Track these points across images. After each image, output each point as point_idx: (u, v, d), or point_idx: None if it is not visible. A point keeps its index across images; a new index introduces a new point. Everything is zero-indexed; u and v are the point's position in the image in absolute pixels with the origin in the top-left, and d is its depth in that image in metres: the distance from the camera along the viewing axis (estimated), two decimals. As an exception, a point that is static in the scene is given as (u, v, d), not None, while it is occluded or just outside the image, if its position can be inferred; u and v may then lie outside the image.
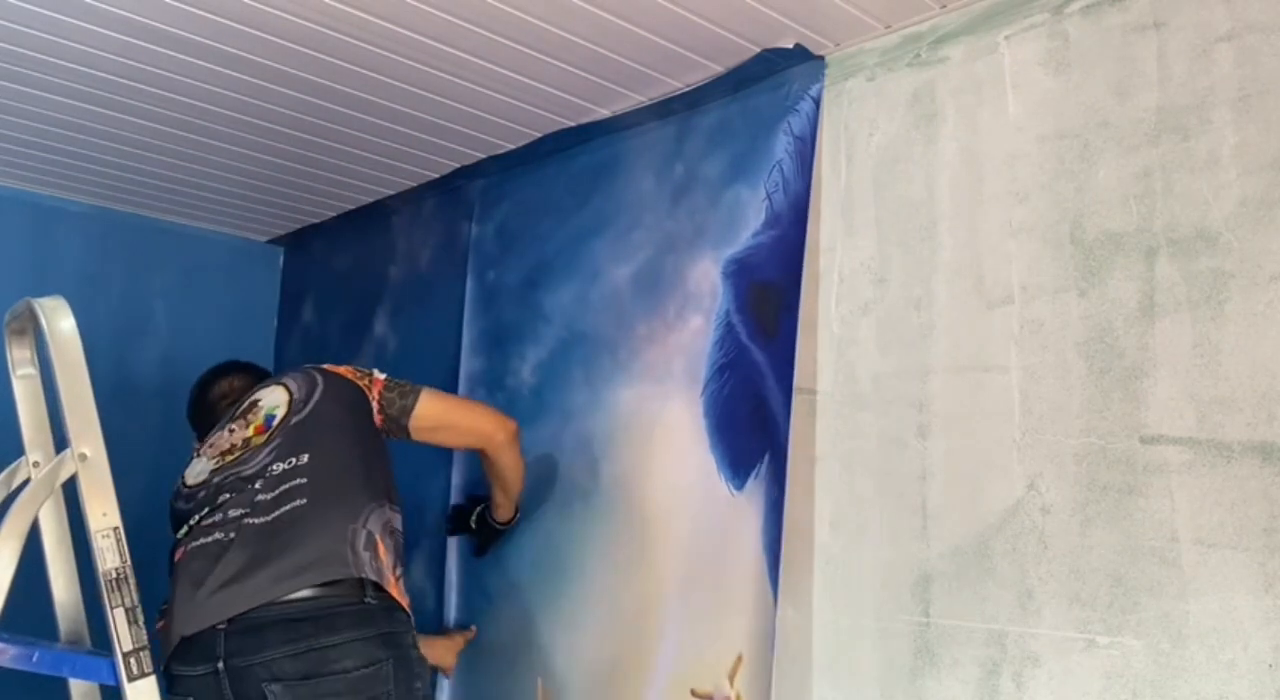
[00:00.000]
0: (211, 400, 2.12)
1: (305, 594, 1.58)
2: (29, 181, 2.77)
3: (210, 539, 1.69)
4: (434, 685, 2.28)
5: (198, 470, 1.91)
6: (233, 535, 1.66)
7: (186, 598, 1.61)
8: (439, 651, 2.23)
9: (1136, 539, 1.43)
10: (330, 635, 1.56)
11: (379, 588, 1.66)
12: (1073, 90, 1.59)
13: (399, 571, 1.75)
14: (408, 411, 1.92)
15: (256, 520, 1.69)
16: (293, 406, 1.87)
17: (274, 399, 1.91)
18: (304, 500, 1.71)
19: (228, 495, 1.76)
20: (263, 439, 1.84)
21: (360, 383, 1.93)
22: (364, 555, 1.67)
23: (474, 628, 2.32)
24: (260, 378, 2.11)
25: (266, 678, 1.53)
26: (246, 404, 1.95)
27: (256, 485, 1.75)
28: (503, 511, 2.18)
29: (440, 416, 1.95)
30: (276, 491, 1.73)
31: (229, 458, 1.85)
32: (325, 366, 1.97)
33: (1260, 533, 1.33)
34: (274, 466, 1.77)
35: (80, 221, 2.92)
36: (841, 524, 1.76)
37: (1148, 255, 1.47)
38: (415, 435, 1.94)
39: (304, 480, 1.74)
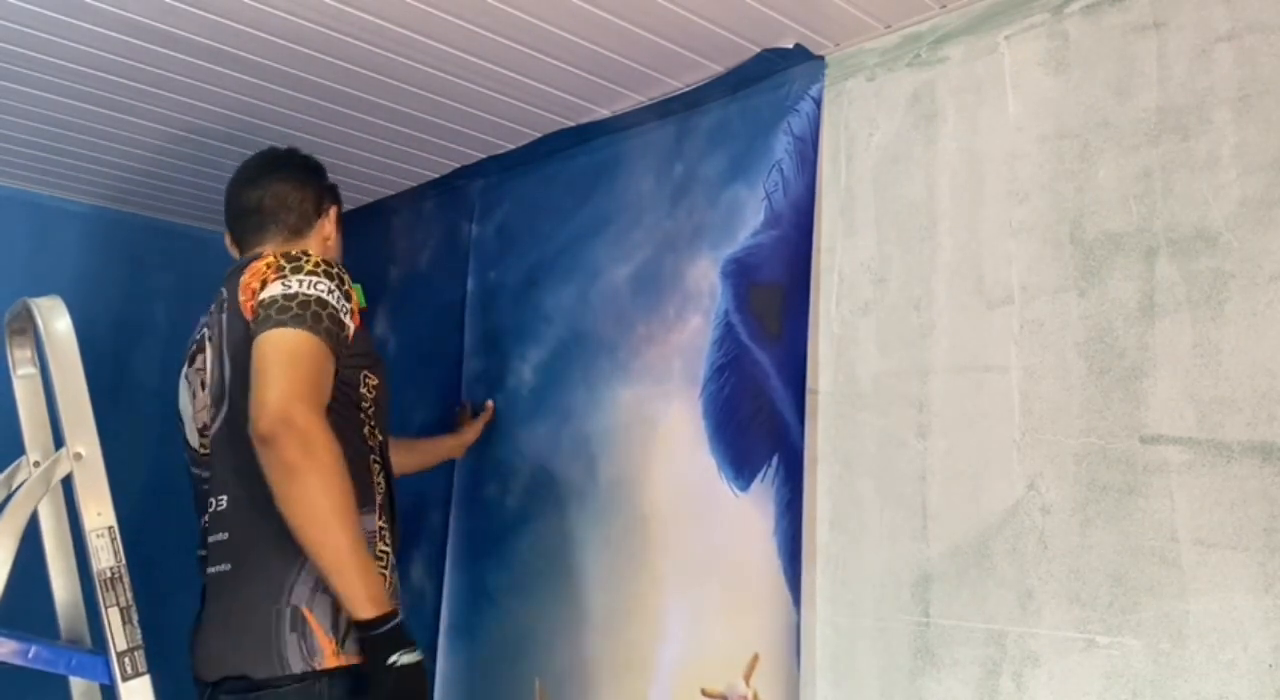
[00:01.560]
0: (243, 209, 1.86)
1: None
2: (29, 181, 2.77)
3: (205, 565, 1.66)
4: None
5: (188, 408, 1.75)
6: (208, 575, 1.64)
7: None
8: (452, 444, 2.32)
9: (1136, 539, 1.42)
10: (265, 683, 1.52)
11: (308, 672, 1.51)
12: (1073, 90, 1.59)
13: (353, 635, 1.51)
14: (256, 337, 1.53)
15: (211, 568, 1.63)
16: (211, 394, 1.65)
17: (207, 369, 1.69)
18: (228, 566, 1.58)
19: (208, 503, 1.67)
20: (205, 445, 1.69)
21: (250, 312, 1.59)
22: (289, 643, 1.50)
23: (490, 404, 2.34)
24: (301, 185, 1.84)
25: (228, 691, 1.56)
26: (205, 336, 1.72)
27: (206, 521, 1.65)
28: (345, 606, 1.49)
29: (257, 366, 1.49)
30: (215, 538, 1.62)
31: (203, 450, 1.70)
32: (246, 276, 1.63)
33: (1260, 533, 1.32)
34: (213, 501, 1.64)
35: (80, 221, 2.92)
36: (841, 524, 1.76)
37: (1148, 255, 1.47)
38: None
39: (225, 536, 1.60)
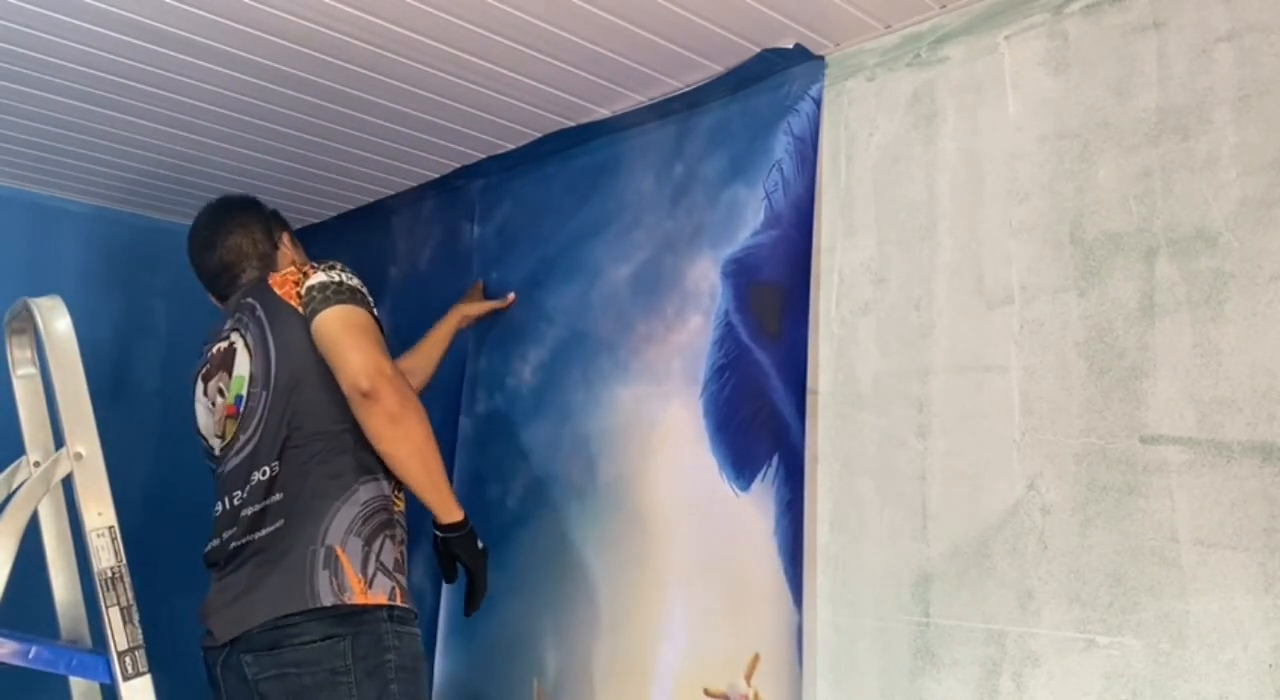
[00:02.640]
0: (213, 271, 2.02)
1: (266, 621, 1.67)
2: (29, 181, 2.77)
3: (227, 548, 1.76)
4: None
5: (206, 423, 1.90)
6: (231, 554, 1.75)
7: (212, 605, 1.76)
8: (453, 316, 2.36)
9: (1136, 539, 1.42)
10: (291, 619, 1.65)
11: (337, 607, 1.65)
12: (1073, 90, 1.59)
13: (376, 556, 1.70)
14: (314, 316, 1.74)
15: (243, 540, 1.73)
16: (254, 381, 1.80)
17: (241, 368, 1.83)
18: (282, 522, 1.71)
19: (229, 499, 1.79)
20: (234, 428, 1.82)
21: (297, 303, 1.78)
22: (321, 578, 1.65)
23: (511, 296, 2.37)
24: (247, 229, 2.01)
25: (244, 650, 1.66)
26: (223, 353, 1.88)
27: (242, 495, 1.76)
28: (436, 513, 1.80)
29: (331, 337, 1.71)
30: (259, 507, 1.73)
31: (223, 440, 1.85)
32: (271, 286, 1.82)
33: (1260, 533, 1.32)
34: (254, 475, 1.76)
35: (80, 221, 2.92)
36: (841, 524, 1.76)
37: (1148, 255, 1.47)
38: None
39: (280, 496, 1.73)
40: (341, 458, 1.74)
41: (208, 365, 1.92)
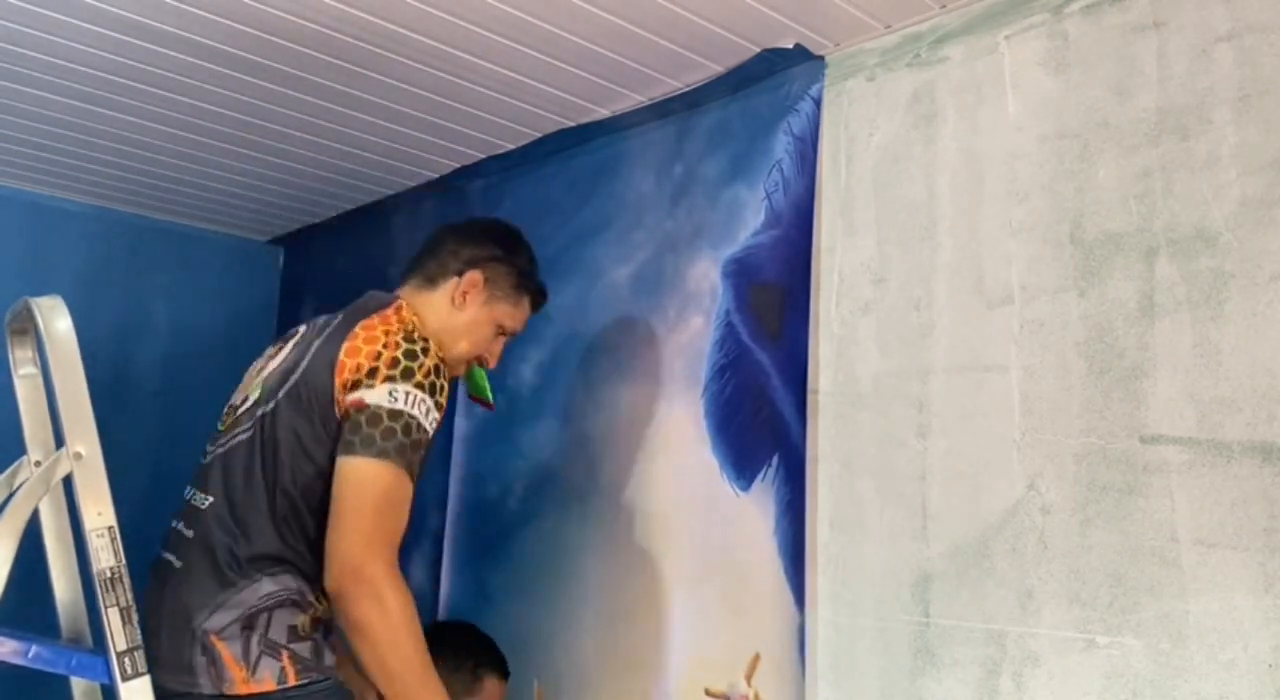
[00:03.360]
0: (418, 251, 1.82)
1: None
2: (29, 181, 2.77)
3: (176, 553, 1.62)
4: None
5: (232, 400, 1.73)
6: (157, 562, 1.62)
7: None
8: None
9: (1136, 539, 1.42)
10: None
11: (218, 698, 1.47)
12: (1073, 90, 1.59)
13: (262, 635, 1.49)
14: (344, 451, 1.51)
15: (166, 557, 1.61)
16: (262, 395, 1.62)
17: (266, 372, 1.67)
18: (180, 563, 1.57)
19: (191, 500, 1.64)
20: (224, 427, 1.67)
21: (341, 392, 1.53)
22: (199, 661, 1.48)
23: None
24: (464, 240, 1.77)
25: None
26: (288, 337, 1.72)
27: (183, 515, 1.63)
28: None
29: (342, 493, 1.48)
30: (178, 526, 1.61)
31: (221, 427, 1.70)
32: (363, 323, 1.59)
33: (1260, 533, 1.32)
34: (197, 496, 1.61)
35: (80, 221, 2.92)
36: (841, 524, 1.76)
37: (1148, 255, 1.47)
38: None
39: (191, 534, 1.58)
40: (267, 537, 1.53)
41: (279, 344, 1.75)
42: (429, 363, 1.56)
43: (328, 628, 1.59)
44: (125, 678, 1.41)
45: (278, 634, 1.50)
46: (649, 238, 2.14)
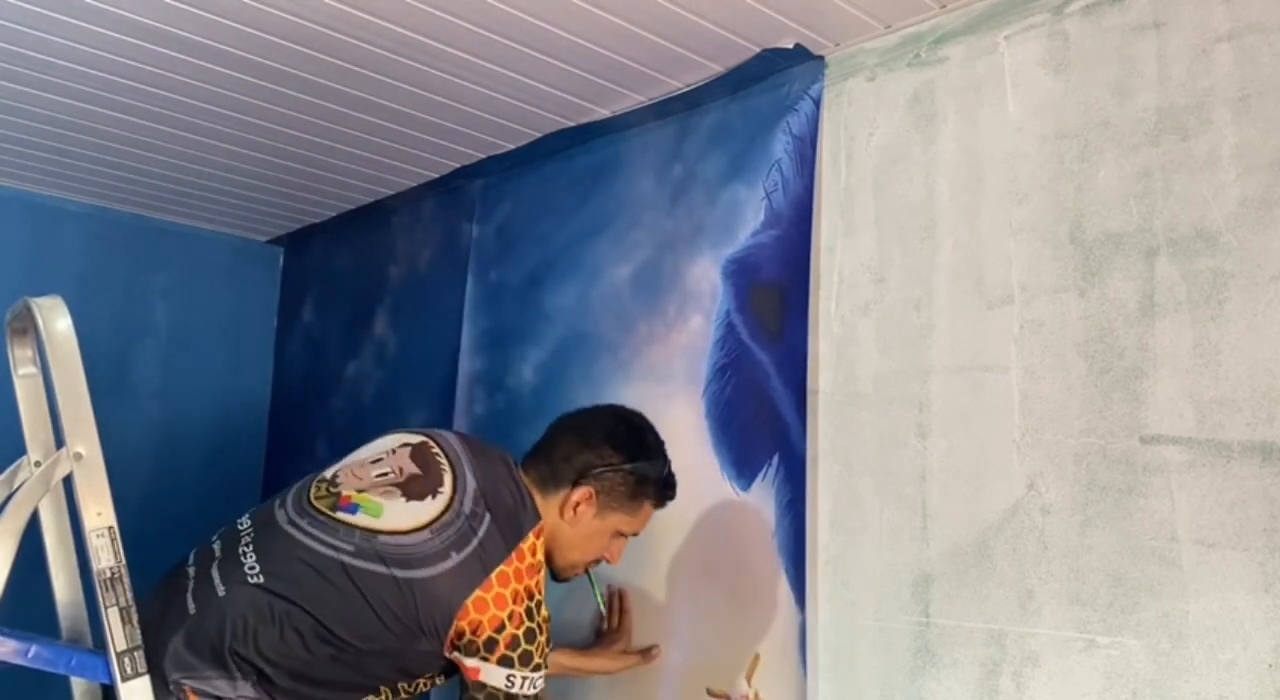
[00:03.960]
0: (541, 443, 1.80)
1: None
2: (29, 181, 2.77)
3: (194, 592, 1.59)
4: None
5: (338, 469, 1.71)
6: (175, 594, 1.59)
7: None
8: (599, 662, 1.98)
9: (1136, 539, 1.42)
10: None
11: None
12: (1073, 90, 1.59)
13: None
14: None
15: (186, 589, 1.57)
16: (377, 537, 1.57)
17: (404, 514, 1.61)
18: (195, 611, 1.53)
19: (240, 548, 1.61)
20: (322, 502, 1.63)
21: (455, 634, 1.55)
22: None
23: (657, 648, 1.96)
24: (581, 447, 1.73)
25: None
26: (431, 456, 1.69)
27: (229, 553, 1.59)
28: None
29: None
30: (218, 590, 1.55)
31: (316, 497, 1.65)
32: (504, 563, 1.59)
33: (1260, 533, 1.32)
34: (249, 553, 1.57)
35: (80, 221, 2.92)
36: (841, 524, 1.76)
37: (1148, 255, 1.47)
38: None
39: (223, 593, 1.53)
40: (282, 676, 1.52)
41: (413, 461, 1.71)
42: (543, 639, 1.61)
43: None
44: (125, 678, 1.41)
45: None
46: (648, 237, 2.14)
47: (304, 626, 1.52)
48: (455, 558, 1.58)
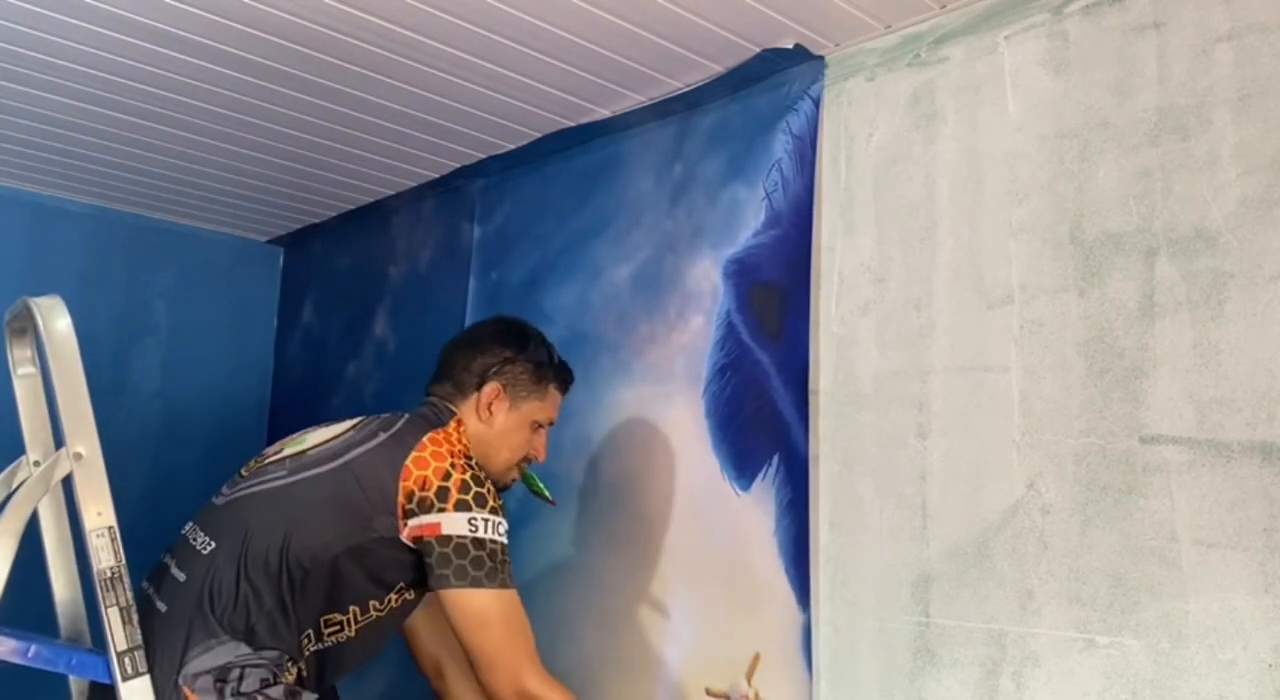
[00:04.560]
0: (440, 361, 1.84)
1: None
2: (29, 181, 2.77)
3: (162, 596, 1.60)
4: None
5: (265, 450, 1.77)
6: (142, 597, 1.58)
7: None
8: None
9: (1136, 539, 1.42)
10: None
11: None
12: (1073, 90, 1.59)
13: (235, 690, 1.49)
14: (434, 584, 1.59)
15: (152, 597, 1.59)
16: (304, 454, 1.66)
17: (321, 433, 1.71)
18: (166, 608, 1.55)
19: (189, 540, 1.64)
20: (246, 474, 1.69)
21: (403, 498, 1.57)
22: None
23: None
24: (476, 354, 1.78)
25: None
26: (342, 419, 1.76)
27: (177, 553, 1.62)
28: None
29: (464, 626, 1.58)
30: (174, 575, 1.58)
31: (244, 473, 1.72)
32: (429, 436, 1.64)
33: (1260, 533, 1.32)
34: (198, 536, 1.61)
35: (80, 221, 2.92)
36: (841, 524, 1.76)
37: (1147, 255, 1.47)
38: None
39: (184, 578, 1.57)
40: (256, 605, 1.53)
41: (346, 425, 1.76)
42: (490, 485, 1.64)
43: (301, 684, 1.59)
44: (125, 677, 1.41)
45: (251, 685, 1.51)
46: (648, 237, 2.14)
47: (261, 566, 1.55)
48: (383, 436, 1.65)
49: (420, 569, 1.62)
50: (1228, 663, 1.33)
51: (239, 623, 1.53)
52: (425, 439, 1.64)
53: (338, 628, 1.62)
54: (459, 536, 1.57)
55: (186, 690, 1.49)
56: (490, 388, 1.77)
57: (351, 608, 1.62)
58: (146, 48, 1.97)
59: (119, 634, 1.42)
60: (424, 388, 1.84)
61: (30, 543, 1.48)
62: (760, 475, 1.85)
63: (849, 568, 1.74)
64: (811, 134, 1.90)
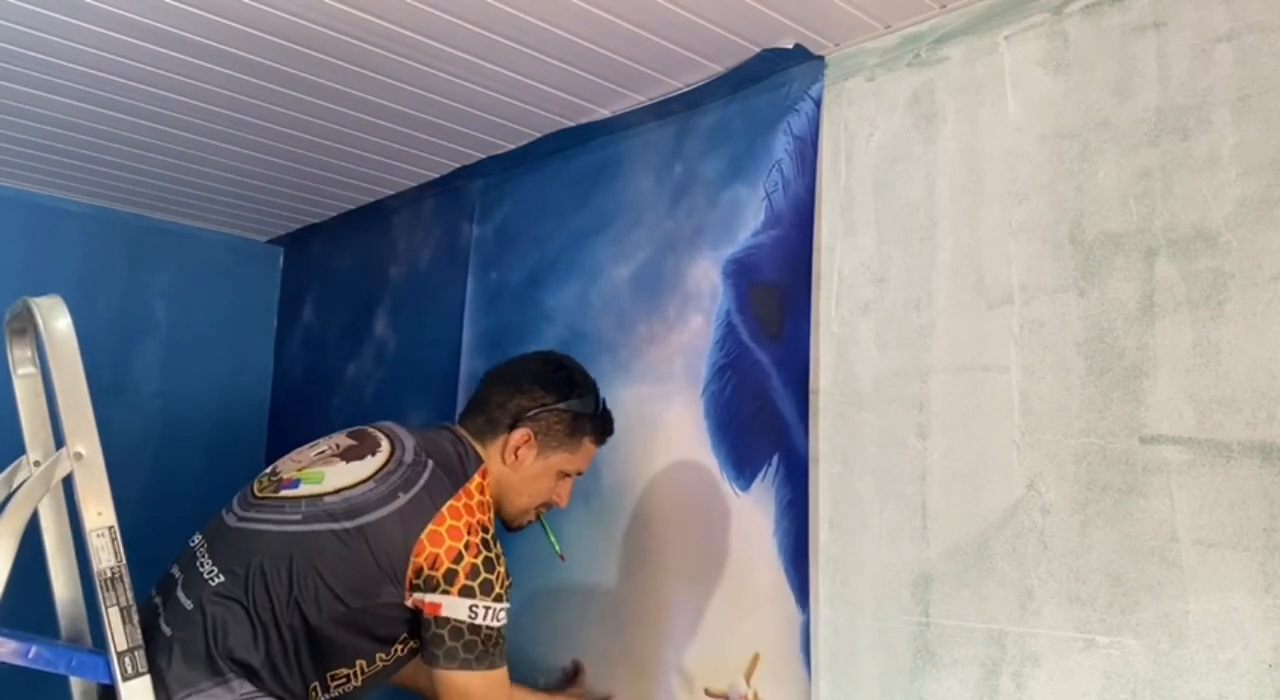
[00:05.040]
0: (475, 396, 1.82)
1: None
2: (29, 181, 2.77)
3: (167, 618, 1.59)
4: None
5: (282, 469, 1.72)
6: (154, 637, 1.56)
7: None
8: None
9: (1136, 539, 1.42)
10: None
11: None
12: (1073, 90, 1.59)
13: None
14: (428, 660, 1.60)
15: (160, 627, 1.55)
16: (322, 500, 1.60)
17: (344, 473, 1.65)
18: (170, 633, 1.53)
19: (198, 561, 1.62)
20: (262, 498, 1.64)
21: (413, 571, 1.57)
22: None
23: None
24: (514, 393, 1.76)
25: None
26: (367, 440, 1.71)
27: (185, 574, 1.60)
28: None
29: (450, 697, 1.59)
30: (185, 605, 1.55)
31: (258, 493, 1.67)
32: (453, 500, 1.62)
33: (1260, 533, 1.32)
34: (206, 564, 1.58)
35: (80, 221, 2.92)
36: (841, 524, 1.76)
37: (1147, 255, 1.47)
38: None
39: (190, 607, 1.54)
40: (260, 652, 1.53)
41: (348, 437, 1.75)
42: (502, 569, 1.63)
43: None
44: (126, 677, 1.41)
45: None
46: (648, 237, 2.14)
47: (268, 612, 1.54)
48: (403, 497, 1.60)
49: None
50: (1228, 663, 1.33)
51: (245, 662, 1.52)
52: (445, 510, 1.60)
53: (344, 680, 1.62)
54: (457, 621, 1.57)
55: None
56: (520, 433, 1.74)
57: (358, 662, 1.63)
58: (146, 48, 1.97)
59: (119, 634, 1.42)
60: (458, 416, 1.81)
61: (30, 543, 1.48)
62: (760, 475, 1.85)
63: (849, 568, 1.74)
64: (812, 134, 1.90)
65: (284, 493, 1.65)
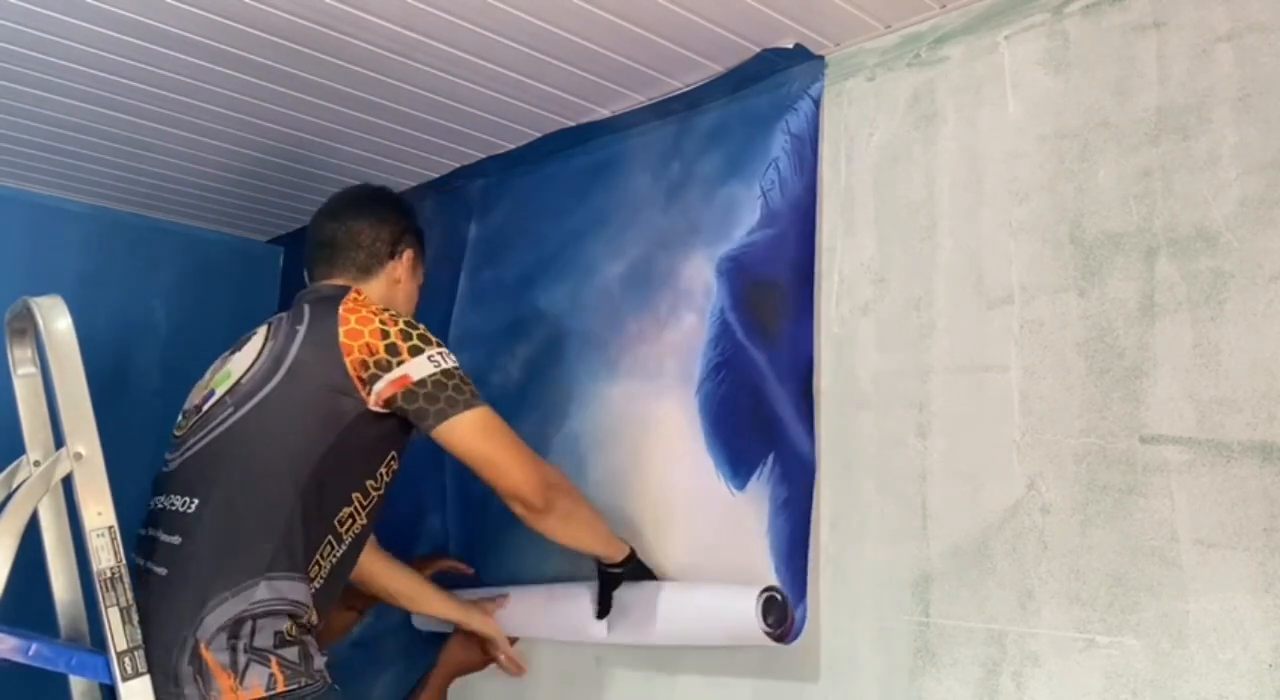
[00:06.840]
0: (318, 242, 1.85)
1: None
2: (29, 181, 2.77)
3: (147, 571, 1.61)
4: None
5: (188, 403, 1.76)
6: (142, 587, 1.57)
7: None
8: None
9: (1136, 539, 1.42)
10: None
11: None
12: (1073, 90, 1.59)
13: (248, 644, 1.50)
14: (430, 425, 1.63)
15: (151, 571, 1.59)
16: (235, 389, 1.64)
17: (238, 364, 1.69)
18: (165, 571, 1.56)
19: (164, 509, 1.64)
20: (189, 426, 1.68)
21: (356, 371, 1.59)
22: (185, 675, 1.47)
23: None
24: (378, 223, 1.84)
25: None
26: (243, 341, 1.75)
27: (160, 523, 1.62)
28: (607, 558, 1.88)
29: (480, 452, 1.65)
30: (166, 541, 1.59)
31: (178, 433, 1.71)
32: (340, 315, 1.64)
33: (1260, 533, 1.32)
34: (174, 501, 1.61)
35: (80, 221, 2.92)
36: (841, 524, 1.76)
37: (1148, 255, 1.47)
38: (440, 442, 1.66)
39: (178, 540, 1.57)
40: (267, 539, 1.55)
41: (236, 346, 1.78)
42: (423, 329, 1.69)
43: (314, 631, 1.59)
44: (125, 677, 1.42)
45: (264, 640, 1.52)
46: (643, 235, 2.14)
47: (260, 498, 1.57)
48: (300, 330, 1.66)
49: (395, 432, 1.67)
50: (1228, 663, 1.33)
51: (254, 561, 1.54)
52: (340, 314, 1.65)
53: (350, 521, 1.65)
54: (428, 376, 1.62)
55: (204, 649, 1.49)
56: (409, 253, 1.86)
57: (355, 496, 1.65)
58: (146, 48, 1.97)
59: (119, 634, 1.42)
60: (314, 274, 1.84)
61: (30, 543, 1.49)
62: (756, 474, 1.85)
63: (849, 568, 1.74)
64: (811, 134, 1.90)
65: (205, 407, 1.68)
